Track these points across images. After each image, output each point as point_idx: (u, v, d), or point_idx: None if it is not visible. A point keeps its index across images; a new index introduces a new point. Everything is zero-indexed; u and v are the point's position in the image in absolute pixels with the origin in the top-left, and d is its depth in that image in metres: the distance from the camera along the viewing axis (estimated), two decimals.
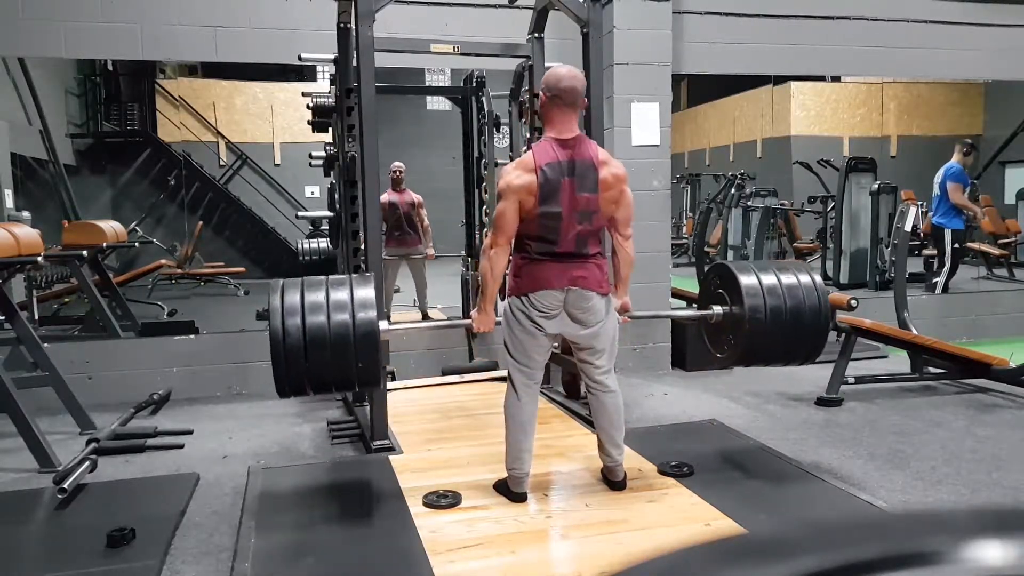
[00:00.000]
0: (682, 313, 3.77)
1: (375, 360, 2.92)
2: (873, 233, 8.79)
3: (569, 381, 4.67)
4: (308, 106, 4.89)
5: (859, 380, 4.88)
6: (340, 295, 2.91)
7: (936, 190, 7.15)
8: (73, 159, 8.89)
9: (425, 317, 6.99)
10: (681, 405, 4.73)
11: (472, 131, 5.78)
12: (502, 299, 3.16)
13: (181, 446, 4.05)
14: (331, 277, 3.03)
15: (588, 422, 4.01)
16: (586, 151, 2.90)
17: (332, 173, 5.13)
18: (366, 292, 2.95)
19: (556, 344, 3.06)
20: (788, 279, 3.29)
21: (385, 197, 6.84)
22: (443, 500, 3.10)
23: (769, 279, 3.27)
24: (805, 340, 3.31)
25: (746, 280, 3.26)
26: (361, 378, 2.94)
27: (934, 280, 7.15)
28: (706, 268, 3.64)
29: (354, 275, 3.10)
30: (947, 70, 6.86)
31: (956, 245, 7.06)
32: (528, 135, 4.82)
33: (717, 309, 3.42)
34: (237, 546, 2.80)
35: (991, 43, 6.61)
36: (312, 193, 10.06)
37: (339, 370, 2.89)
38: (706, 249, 9.19)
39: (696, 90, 11.36)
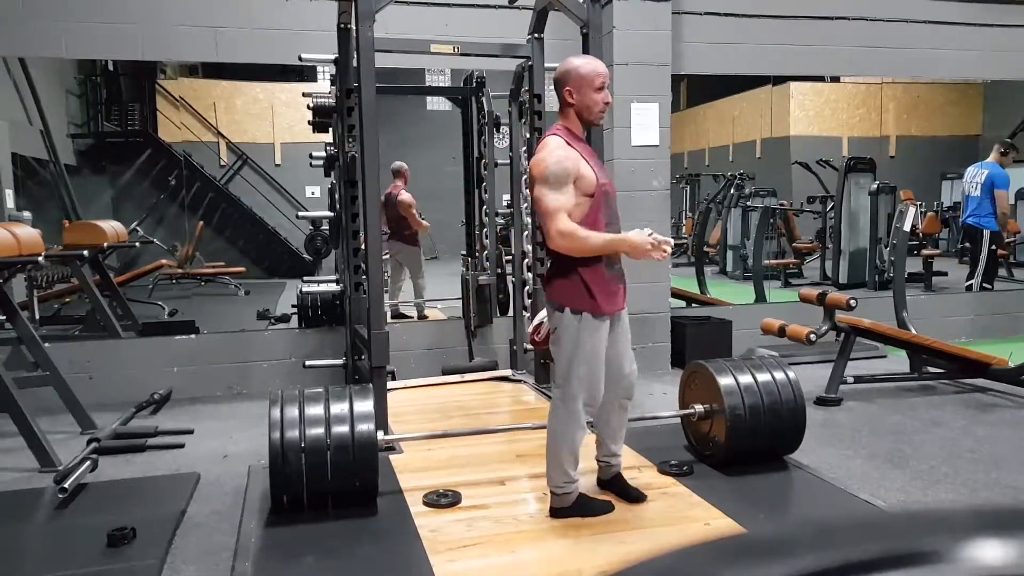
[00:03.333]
0: (665, 414, 3.92)
1: (373, 479, 3.02)
2: (872, 233, 8.80)
3: None
4: (308, 106, 4.89)
5: (858, 380, 4.88)
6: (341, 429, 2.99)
7: (973, 190, 7.02)
8: (74, 159, 8.89)
9: (421, 317, 7.01)
10: None
11: (472, 131, 5.79)
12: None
13: (182, 446, 4.06)
14: (331, 391, 3.12)
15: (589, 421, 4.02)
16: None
17: (332, 173, 5.14)
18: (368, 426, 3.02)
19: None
20: (764, 376, 3.44)
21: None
22: (443, 499, 3.11)
23: (745, 378, 3.42)
24: (785, 434, 3.44)
25: (724, 380, 3.40)
26: (359, 494, 3.03)
27: (978, 282, 7.08)
28: (685, 369, 3.78)
29: (353, 389, 3.17)
30: (947, 70, 6.86)
31: (993, 247, 7.01)
32: (528, 135, 4.82)
33: (698, 408, 3.53)
34: (238, 545, 2.80)
35: (991, 43, 6.61)
36: (312, 193, 10.05)
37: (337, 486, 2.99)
38: (705, 249, 9.19)
39: (696, 90, 11.35)
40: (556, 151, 2.73)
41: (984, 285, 7.26)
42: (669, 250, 2.69)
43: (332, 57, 4.53)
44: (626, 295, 2.92)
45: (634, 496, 3.07)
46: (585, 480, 3.29)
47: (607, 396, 2.93)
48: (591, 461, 3.18)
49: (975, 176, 7.04)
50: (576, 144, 2.81)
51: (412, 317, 6.96)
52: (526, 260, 4.97)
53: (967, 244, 7.33)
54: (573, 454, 2.87)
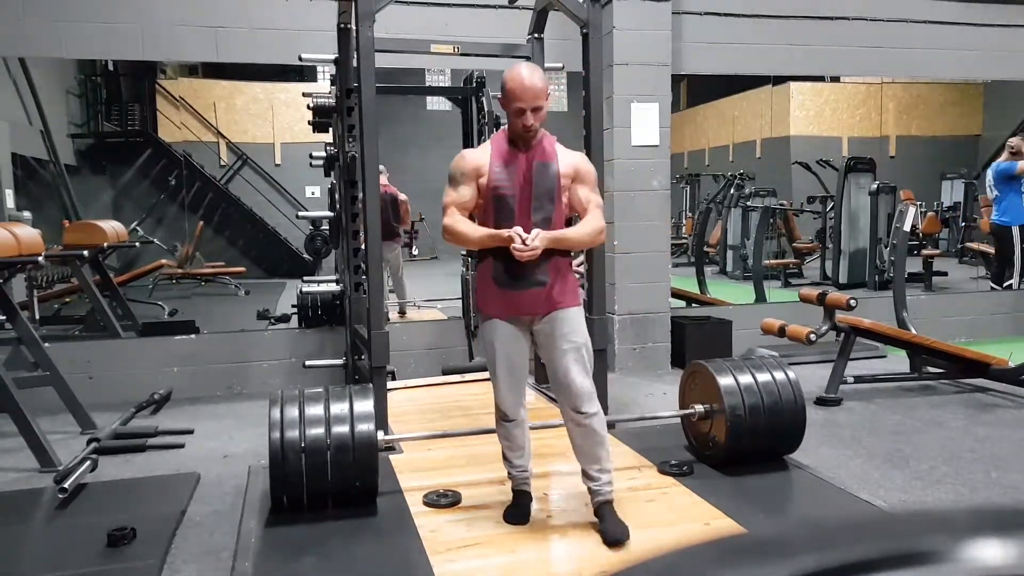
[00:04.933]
0: (665, 414, 3.92)
1: (373, 479, 3.04)
2: (872, 233, 8.80)
3: None
4: (308, 106, 4.89)
5: (858, 380, 4.89)
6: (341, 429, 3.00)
7: (994, 191, 7.09)
8: (74, 159, 8.88)
9: (402, 313, 7.07)
10: None
11: (472, 131, 5.78)
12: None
13: (182, 445, 4.06)
14: (331, 391, 3.13)
15: None
16: None
17: (332, 173, 5.14)
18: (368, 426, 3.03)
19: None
20: (763, 376, 3.44)
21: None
22: (443, 499, 3.11)
23: (745, 378, 3.41)
24: (785, 434, 3.44)
25: (723, 380, 3.40)
26: (359, 494, 3.04)
27: (1007, 283, 7.08)
28: (685, 369, 3.78)
29: (353, 389, 3.17)
30: (947, 70, 6.87)
31: None
32: None
33: (698, 408, 3.53)
34: (238, 545, 2.80)
35: (991, 43, 6.61)
36: (312, 193, 10.04)
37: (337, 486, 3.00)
38: (705, 249, 9.19)
39: (696, 90, 11.34)
40: (465, 152, 2.87)
41: (993, 286, 7.27)
42: (529, 246, 2.61)
43: (332, 57, 4.52)
44: (548, 300, 2.74)
45: (609, 537, 2.72)
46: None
47: (561, 406, 2.84)
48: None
49: (988, 179, 7.09)
50: (500, 148, 2.77)
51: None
52: None
53: (996, 245, 7.35)
54: (504, 448, 2.96)
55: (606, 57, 5.20)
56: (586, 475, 2.83)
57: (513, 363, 2.82)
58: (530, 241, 2.63)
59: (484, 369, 5.26)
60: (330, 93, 4.92)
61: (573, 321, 2.80)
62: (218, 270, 9.40)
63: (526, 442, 2.97)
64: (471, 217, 2.82)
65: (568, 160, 2.81)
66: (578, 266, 5.51)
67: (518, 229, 2.65)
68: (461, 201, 2.77)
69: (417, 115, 11.21)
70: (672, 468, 3.42)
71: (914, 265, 7.95)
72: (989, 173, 7.11)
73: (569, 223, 2.88)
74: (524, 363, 2.87)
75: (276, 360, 5.34)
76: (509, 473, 3.01)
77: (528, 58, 4.63)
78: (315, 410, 3.00)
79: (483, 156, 2.78)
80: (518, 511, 2.95)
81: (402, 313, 7.10)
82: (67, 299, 7.11)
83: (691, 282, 8.08)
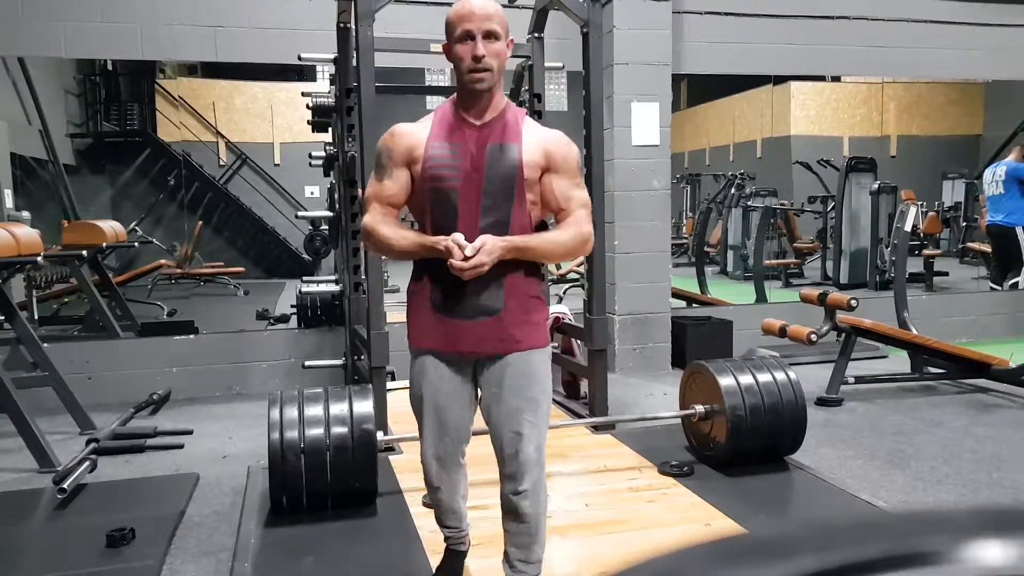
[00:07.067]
0: (666, 414, 3.92)
1: (372, 479, 3.03)
2: (873, 233, 8.80)
3: (569, 381, 4.67)
4: (308, 106, 4.89)
5: (859, 380, 4.88)
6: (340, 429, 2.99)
7: (995, 189, 7.05)
8: (73, 159, 8.88)
9: None
10: None
11: None
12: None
13: (181, 446, 4.05)
14: (330, 391, 3.12)
15: (593, 426, 4.02)
16: None
17: (332, 173, 5.14)
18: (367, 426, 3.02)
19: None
20: (764, 377, 3.44)
21: None
22: None
23: (746, 378, 3.41)
24: (785, 435, 3.44)
25: (724, 380, 3.40)
26: (358, 494, 3.04)
27: (1012, 282, 7.05)
28: (685, 369, 3.76)
29: (353, 389, 3.15)
30: (947, 70, 6.86)
31: None
32: None
33: (699, 408, 3.52)
34: (237, 546, 2.80)
35: (991, 43, 6.60)
36: (312, 193, 10.05)
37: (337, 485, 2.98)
38: (706, 249, 9.19)
39: (696, 90, 11.34)
40: (396, 127, 2.20)
41: (993, 286, 7.24)
42: (469, 260, 1.92)
43: (332, 57, 4.52)
44: (500, 337, 2.05)
45: None
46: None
47: (500, 475, 2.24)
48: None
49: (994, 175, 7.03)
50: (445, 120, 2.14)
51: None
52: None
53: (995, 246, 7.31)
54: (435, 510, 2.41)
55: (606, 57, 5.19)
56: (508, 562, 2.21)
57: (444, 416, 2.16)
58: (471, 252, 1.92)
59: None
60: (329, 93, 4.92)
61: (534, 368, 2.10)
62: (217, 270, 9.40)
63: (461, 506, 2.36)
64: (420, 216, 2.13)
65: (537, 141, 2.07)
66: (577, 267, 5.56)
67: (458, 236, 1.95)
68: (385, 195, 2.09)
69: (417, 115, 11.17)
70: (672, 468, 3.41)
71: (915, 265, 7.95)
72: (1000, 171, 7.02)
73: (543, 228, 2.15)
74: (462, 420, 2.20)
75: (275, 360, 5.33)
76: (441, 529, 2.44)
77: (527, 57, 4.63)
78: (314, 411, 3.00)
79: (420, 133, 2.11)
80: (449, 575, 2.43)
81: None
82: (66, 299, 7.11)
83: (691, 282, 8.07)
